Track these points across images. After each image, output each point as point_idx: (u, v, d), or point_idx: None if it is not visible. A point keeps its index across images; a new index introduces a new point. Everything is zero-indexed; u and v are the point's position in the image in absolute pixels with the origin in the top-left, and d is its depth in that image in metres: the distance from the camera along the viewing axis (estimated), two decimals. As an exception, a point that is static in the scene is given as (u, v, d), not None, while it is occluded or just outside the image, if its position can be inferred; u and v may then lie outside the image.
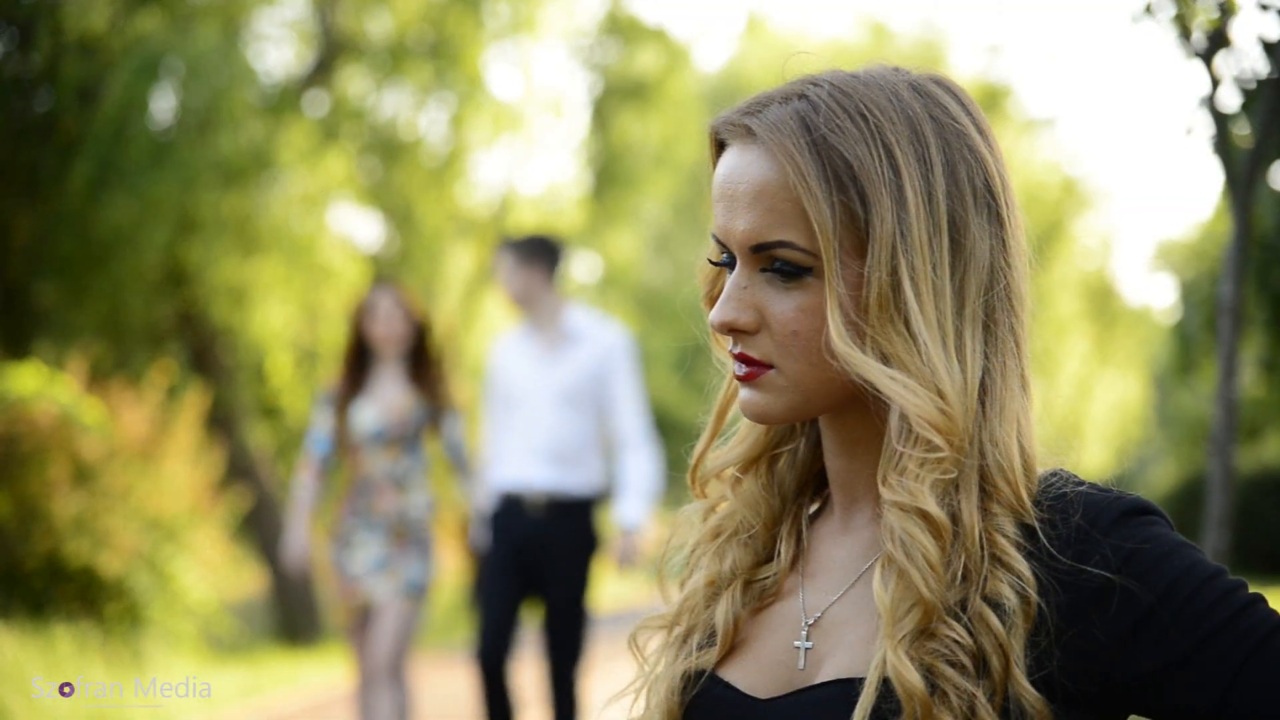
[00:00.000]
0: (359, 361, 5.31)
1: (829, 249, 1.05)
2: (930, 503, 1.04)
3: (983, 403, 1.07)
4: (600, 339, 5.02)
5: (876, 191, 1.05)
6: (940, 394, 1.04)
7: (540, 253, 5.02)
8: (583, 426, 4.93)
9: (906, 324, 1.05)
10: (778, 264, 1.08)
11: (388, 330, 5.22)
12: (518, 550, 4.90)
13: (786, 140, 1.06)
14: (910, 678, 1.01)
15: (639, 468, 4.94)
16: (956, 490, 1.06)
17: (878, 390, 1.06)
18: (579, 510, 4.94)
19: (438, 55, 11.96)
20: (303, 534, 5.32)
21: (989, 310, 1.08)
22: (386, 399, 5.20)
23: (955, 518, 1.05)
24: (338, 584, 5.26)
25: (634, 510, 4.93)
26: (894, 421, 1.06)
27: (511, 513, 4.94)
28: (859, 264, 1.06)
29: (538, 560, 4.90)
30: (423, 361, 5.29)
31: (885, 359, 1.05)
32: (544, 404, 4.92)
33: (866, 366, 1.05)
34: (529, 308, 5.03)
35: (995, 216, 1.08)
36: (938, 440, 1.04)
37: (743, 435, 1.20)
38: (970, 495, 1.06)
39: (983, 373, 1.07)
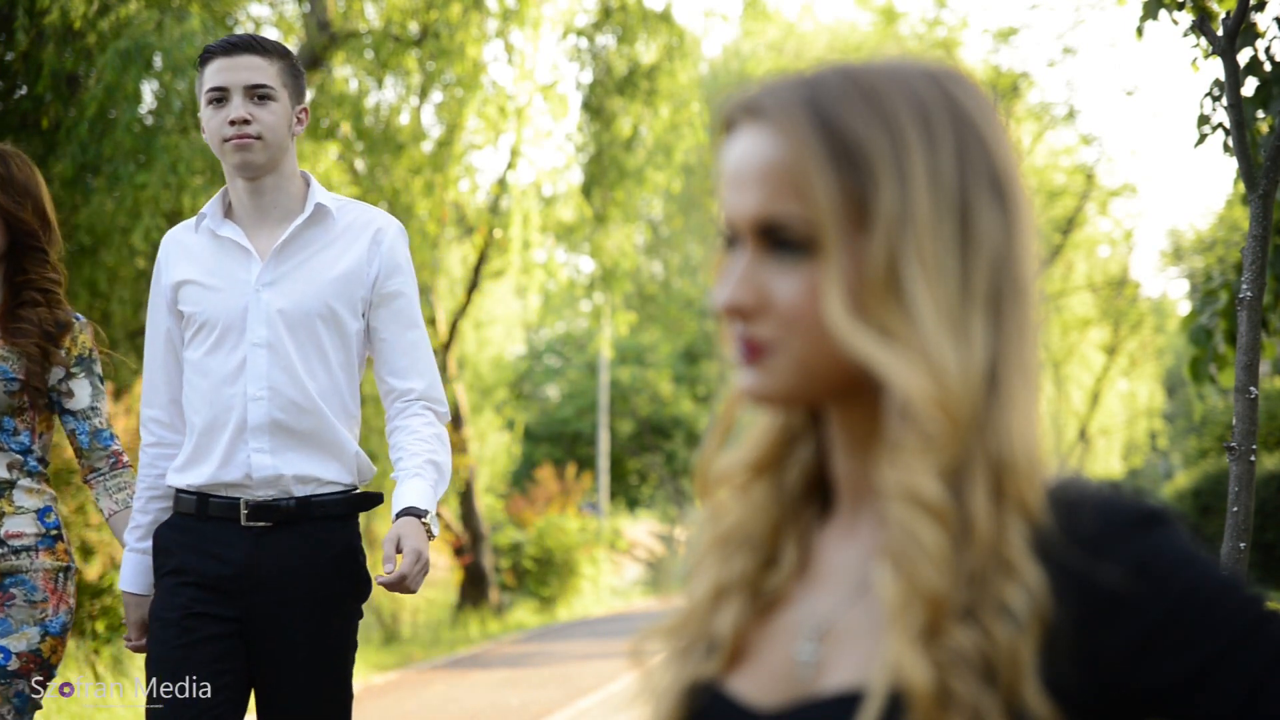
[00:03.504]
0: None
1: (831, 224, 1.04)
2: (930, 487, 1.01)
3: (989, 390, 1.04)
4: (364, 226, 2.97)
5: (881, 168, 1.04)
6: (939, 372, 1.02)
7: (299, 76, 3.02)
8: (334, 374, 2.93)
9: (907, 302, 1.03)
10: (781, 242, 1.06)
11: None
12: (220, 596, 2.86)
13: (792, 117, 1.06)
14: (917, 677, 0.97)
15: (428, 431, 2.93)
16: (963, 480, 1.02)
17: (872, 367, 1.03)
18: (331, 519, 2.91)
19: (432, 44, 11.81)
20: None
21: (996, 297, 1.05)
22: None
23: (963, 510, 1.02)
24: None
25: (421, 489, 2.83)
26: (893, 404, 1.04)
27: (207, 531, 2.89)
28: (863, 241, 1.04)
29: (256, 612, 2.87)
30: (24, 283, 3.15)
31: (883, 337, 1.03)
32: (267, 336, 2.89)
33: (863, 342, 1.03)
34: (258, 169, 2.91)
35: (1005, 205, 1.07)
36: (936, 419, 1.01)
37: (751, 439, 1.18)
38: (979, 488, 1.02)
39: (989, 359, 1.04)
